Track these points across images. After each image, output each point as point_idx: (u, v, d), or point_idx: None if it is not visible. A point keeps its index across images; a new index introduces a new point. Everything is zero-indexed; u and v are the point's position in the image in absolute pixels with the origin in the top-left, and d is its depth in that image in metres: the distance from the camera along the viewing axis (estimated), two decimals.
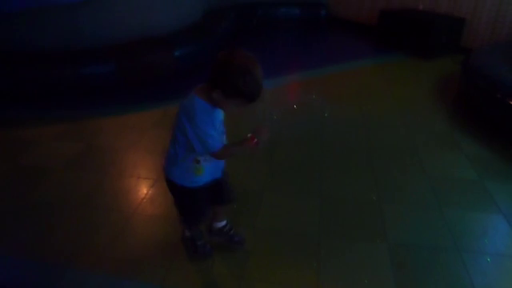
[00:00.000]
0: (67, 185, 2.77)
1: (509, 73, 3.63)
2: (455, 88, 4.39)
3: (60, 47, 4.19)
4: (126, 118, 3.72)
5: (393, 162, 3.14)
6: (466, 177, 2.97)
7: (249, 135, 1.75)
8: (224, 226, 2.25)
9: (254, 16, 6.97)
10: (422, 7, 5.96)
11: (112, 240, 2.29)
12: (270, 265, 2.16)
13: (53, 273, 2.08)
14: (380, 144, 3.38)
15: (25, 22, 4.13)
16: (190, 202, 1.99)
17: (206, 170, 1.88)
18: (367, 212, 2.57)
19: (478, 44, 5.24)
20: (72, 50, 4.20)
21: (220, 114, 1.78)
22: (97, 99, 4.05)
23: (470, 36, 5.46)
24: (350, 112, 3.94)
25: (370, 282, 2.05)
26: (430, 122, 3.78)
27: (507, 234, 2.43)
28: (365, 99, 4.24)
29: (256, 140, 1.74)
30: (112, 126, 3.58)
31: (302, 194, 2.73)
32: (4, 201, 2.60)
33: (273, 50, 5.56)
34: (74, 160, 3.06)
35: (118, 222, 2.42)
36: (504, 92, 3.42)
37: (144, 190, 2.72)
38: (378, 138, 3.48)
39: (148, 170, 2.97)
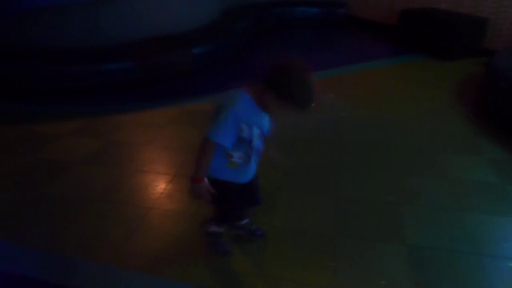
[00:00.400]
0: (85, 179, 2.80)
1: None
2: (477, 90, 4.29)
3: (80, 44, 4.24)
4: (144, 115, 3.75)
5: (412, 163, 3.09)
6: (487, 180, 2.91)
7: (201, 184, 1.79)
8: (247, 223, 2.27)
9: (271, 15, 6.95)
10: (444, 6, 5.86)
11: (129, 234, 2.31)
12: (287, 263, 2.14)
13: (69, 265, 2.10)
14: (399, 145, 3.33)
15: (46, 18, 4.20)
16: (226, 199, 1.96)
17: (242, 168, 1.87)
18: (385, 213, 2.54)
19: (501, 45, 5.12)
20: (92, 47, 4.25)
21: (262, 117, 1.79)
22: (115, 96, 4.09)
23: (493, 37, 5.35)
24: (368, 112, 3.89)
25: (387, 283, 2.02)
26: (450, 124, 3.71)
27: None
28: (384, 100, 4.18)
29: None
30: (130, 123, 3.61)
31: (318, 193, 2.71)
32: (24, 194, 2.64)
33: (290, 50, 5.53)
34: (92, 155, 3.09)
35: (135, 217, 2.44)
36: None
37: (162, 185, 2.73)
38: (397, 138, 3.43)
39: (165, 166, 2.98)
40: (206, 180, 1.81)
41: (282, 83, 1.63)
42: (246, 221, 2.27)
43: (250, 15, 6.39)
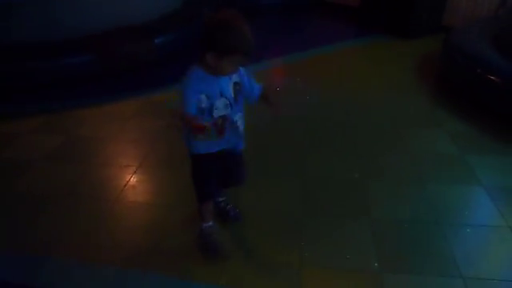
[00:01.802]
0: (48, 176, 2.73)
1: (488, 48, 3.65)
2: (437, 66, 4.40)
3: (37, 39, 4.09)
4: (107, 108, 3.67)
5: (375, 140, 3.15)
6: (447, 152, 3.00)
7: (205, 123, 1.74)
8: (221, 202, 2.26)
9: (235, 2, 6.88)
10: None
11: (94, 228, 2.27)
12: (254, 245, 2.17)
13: (34, 262, 2.06)
14: (362, 123, 3.39)
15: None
16: (196, 171, 1.95)
17: (210, 140, 1.84)
18: (350, 189, 2.59)
19: (459, 22, 5.24)
20: (49, 41, 4.11)
21: (220, 83, 1.76)
22: (77, 90, 3.98)
23: (451, 15, 5.46)
24: (332, 93, 3.93)
25: (352, 257, 2.07)
26: (412, 101, 3.79)
27: (487, 206, 2.46)
28: (347, 80, 4.24)
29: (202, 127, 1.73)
30: (93, 117, 3.53)
31: (284, 174, 2.73)
32: None
33: (254, 36, 5.50)
34: (54, 151, 3.02)
35: (100, 211, 2.40)
36: (483, 67, 3.44)
37: (126, 177, 2.70)
38: (361, 117, 3.49)
39: (130, 158, 2.94)
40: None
41: (213, 40, 1.61)
42: (221, 199, 2.25)
43: (213, 2, 6.31)
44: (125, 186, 2.62)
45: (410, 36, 5.33)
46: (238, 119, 1.88)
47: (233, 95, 1.80)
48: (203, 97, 1.72)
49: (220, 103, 1.77)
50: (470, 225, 2.32)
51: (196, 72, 1.73)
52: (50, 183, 2.66)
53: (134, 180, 2.68)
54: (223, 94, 1.77)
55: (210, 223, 2.13)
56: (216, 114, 1.77)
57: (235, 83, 1.82)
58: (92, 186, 2.63)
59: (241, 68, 1.83)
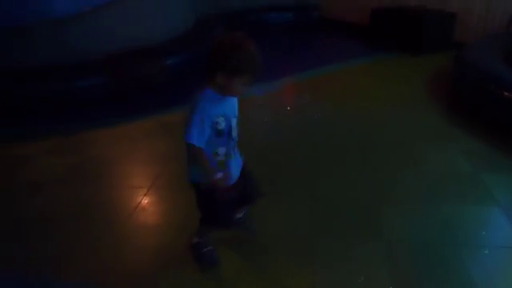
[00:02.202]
0: (59, 198, 2.75)
1: (500, 64, 3.61)
2: (448, 83, 4.36)
3: (50, 62, 4.18)
4: (118, 130, 3.71)
5: (388, 159, 3.11)
6: (461, 171, 2.95)
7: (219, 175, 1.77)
8: (241, 217, 2.24)
9: (245, 22, 6.97)
10: (413, 3, 5.96)
11: (104, 251, 2.26)
12: (265, 266, 2.13)
13: (43, 285, 2.05)
14: (374, 142, 3.35)
15: (13, 38, 4.14)
16: (212, 203, 1.90)
17: (229, 165, 1.85)
18: (362, 210, 2.54)
19: (470, 38, 5.22)
20: (62, 64, 4.20)
21: (230, 104, 1.78)
22: (89, 112, 4.04)
23: (462, 31, 5.45)
24: (343, 111, 3.92)
25: (365, 280, 2.02)
26: (424, 118, 3.75)
27: (505, 226, 2.40)
28: (359, 98, 4.22)
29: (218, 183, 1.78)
30: (104, 138, 3.57)
31: (296, 196, 2.70)
32: None
33: (266, 55, 5.53)
34: (66, 173, 3.04)
35: (110, 233, 2.40)
36: (496, 84, 3.39)
37: (137, 198, 2.70)
38: (373, 136, 3.46)
39: (140, 179, 2.95)
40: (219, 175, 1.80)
41: (223, 60, 1.63)
42: (241, 214, 2.23)
43: (224, 23, 6.41)
44: (136, 207, 2.61)
45: (421, 53, 5.33)
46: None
47: (237, 113, 1.84)
48: (221, 119, 1.73)
49: (234, 123, 1.79)
50: (487, 246, 2.25)
51: (209, 94, 1.72)
52: (61, 205, 2.67)
53: (145, 201, 2.67)
54: (235, 114, 1.80)
55: (204, 239, 2.12)
56: (234, 134, 1.79)
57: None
58: (103, 207, 2.63)
59: None
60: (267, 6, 7.24)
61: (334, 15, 7.15)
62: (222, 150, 1.80)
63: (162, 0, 4.98)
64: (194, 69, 4.91)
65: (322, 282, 2.02)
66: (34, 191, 2.83)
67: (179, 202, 2.68)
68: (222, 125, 1.74)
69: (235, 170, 1.91)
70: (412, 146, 3.28)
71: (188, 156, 1.87)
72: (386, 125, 3.64)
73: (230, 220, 2.05)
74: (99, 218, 2.53)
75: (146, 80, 4.46)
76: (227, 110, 1.76)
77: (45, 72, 4.12)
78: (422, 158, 3.10)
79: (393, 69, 5.05)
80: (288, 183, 2.83)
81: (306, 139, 3.43)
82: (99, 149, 3.40)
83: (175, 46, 4.92)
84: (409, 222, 2.43)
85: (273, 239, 2.31)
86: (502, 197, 2.63)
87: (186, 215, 2.52)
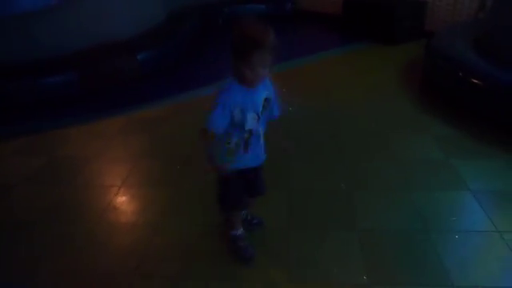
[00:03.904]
0: (28, 200, 2.67)
1: (468, 51, 3.67)
2: (420, 71, 4.41)
3: (17, 59, 4.04)
4: (90, 127, 3.62)
5: (361, 148, 3.13)
6: (433, 157, 2.99)
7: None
8: (244, 214, 2.26)
9: (219, 15, 6.90)
10: None
11: (74, 253, 2.21)
12: (239, 261, 2.11)
13: None
14: (348, 132, 3.37)
15: None
16: (224, 187, 1.98)
17: (237, 155, 1.87)
18: (336, 201, 2.55)
19: (440, 27, 5.29)
20: (30, 60, 4.07)
21: (254, 97, 1.79)
22: (59, 110, 3.92)
23: (432, 19, 5.51)
24: (317, 103, 3.91)
25: (339, 270, 2.03)
26: (397, 107, 3.78)
27: (474, 211, 2.44)
28: (332, 89, 4.23)
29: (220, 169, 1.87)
30: (75, 136, 3.48)
31: (270, 187, 2.67)
32: None
33: None
34: (35, 174, 2.96)
35: (82, 234, 2.35)
36: (465, 71, 3.45)
37: (108, 197, 2.64)
38: (346, 126, 3.47)
39: (113, 178, 2.89)
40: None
41: (233, 51, 1.68)
42: (243, 211, 2.24)
43: (197, 16, 6.32)
44: (107, 206, 2.56)
45: (394, 42, 5.36)
46: (261, 132, 1.93)
47: (261, 109, 1.84)
48: (238, 110, 1.76)
49: (250, 117, 1.80)
50: (458, 231, 2.29)
51: (234, 85, 1.76)
52: (30, 207, 2.60)
53: (117, 200, 2.62)
54: (254, 107, 1.80)
55: (241, 230, 2.16)
56: (246, 126, 1.81)
57: (266, 99, 1.85)
58: (73, 208, 2.57)
59: (271, 86, 1.88)
60: None
61: (307, 6, 7.13)
62: (233, 139, 1.84)
63: None
64: (166, 63, 4.87)
65: (297, 273, 2.02)
66: (2, 193, 2.74)
67: (151, 200, 2.65)
68: (238, 117, 1.76)
69: (250, 161, 1.94)
70: (385, 134, 3.31)
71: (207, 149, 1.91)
72: (359, 114, 3.66)
73: (241, 202, 2.08)
74: (70, 219, 2.47)
75: (118, 76, 4.37)
76: (247, 104, 1.77)
77: (12, 68, 3.98)
78: (395, 146, 3.13)
79: (366, 59, 5.08)
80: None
81: (279, 131, 3.41)
82: (70, 147, 3.32)
83: (146, 41, 4.82)
84: (382, 210, 2.46)
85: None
86: (472, 182, 2.68)
87: (157, 213, 2.50)
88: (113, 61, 4.38)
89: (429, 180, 2.73)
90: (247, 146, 1.88)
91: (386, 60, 4.96)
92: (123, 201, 2.61)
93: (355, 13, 5.90)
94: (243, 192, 2.03)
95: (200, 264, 2.11)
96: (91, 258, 2.18)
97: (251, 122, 1.81)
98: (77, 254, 2.20)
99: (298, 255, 2.14)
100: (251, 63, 1.66)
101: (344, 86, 4.31)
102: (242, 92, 1.76)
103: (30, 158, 3.15)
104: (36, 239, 2.33)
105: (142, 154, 3.15)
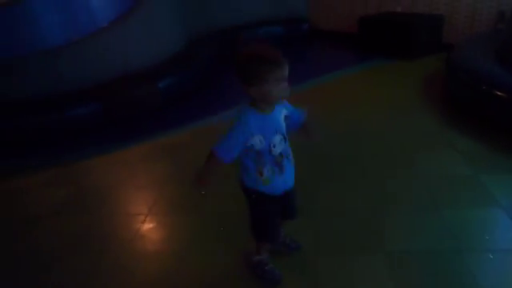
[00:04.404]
0: (57, 231, 2.72)
1: (490, 63, 3.61)
2: (441, 85, 4.36)
3: (42, 93, 4.20)
4: (114, 156, 3.69)
5: (385, 167, 3.08)
6: (460, 173, 2.91)
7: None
8: (281, 237, 2.23)
9: (237, 39, 7.02)
10: (400, 9, 6.00)
11: (101, 285, 2.22)
12: (267, 285, 2.09)
13: None
14: (371, 151, 3.33)
15: (3, 72, 4.16)
16: (259, 212, 1.93)
17: (274, 181, 1.84)
18: (362, 223, 2.50)
19: (459, 39, 5.24)
20: (54, 94, 4.21)
21: (274, 120, 1.76)
22: (84, 141, 4.03)
23: (450, 32, 5.47)
24: (336, 122, 3.90)
25: None
26: (419, 123, 3.73)
27: (508, 228, 2.36)
28: (352, 108, 4.21)
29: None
30: (100, 166, 3.55)
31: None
32: None
33: None
34: (62, 205, 3.02)
35: (108, 264, 2.36)
36: (488, 83, 3.39)
37: (135, 226, 2.67)
38: (368, 144, 3.44)
39: (139, 206, 2.92)
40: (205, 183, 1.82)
41: (244, 77, 1.65)
42: (282, 233, 2.22)
43: (215, 41, 6.45)
44: (134, 235, 2.58)
45: (411, 57, 5.34)
46: (290, 152, 1.88)
47: (285, 129, 1.81)
48: (258, 138, 1.72)
49: (276, 140, 1.77)
50: (491, 250, 2.21)
51: (249, 112, 1.72)
52: (58, 238, 2.64)
53: (144, 229, 2.64)
54: (278, 130, 1.77)
55: (266, 255, 2.11)
56: (275, 152, 1.78)
57: (286, 116, 1.83)
58: (100, 237, 2.60)
59: (287, 102, 1.85)
60: (256, 22, 7.29)
61: (323, 26, 7.21)
62: (266, 169, 1.80)
63: (149, 23, 5.01)
64: (187, 89, 4.97)
65: None
66: (31, 225, 2.80)
67: (178, 227, 2.66)
68: (260, 145, 1.73)
69: (283, 184, 1.89)
70: (408, 151, 3.26)
71: (239, 165, 1.88)
72: (382, 132, 3.62)
73: (274, 234, 2.05)
74: (96, 249, 2.50)
75: (140, 104, 4.47)
76: (267, 129, 1.74)
77: (38, 103, 4.13)
78: (420, 163, 3.07)
79: (384, 75, 5.06)
80: None
81: (302, 152, 3.40)
82: (96, 177, 3.39)
83: (167, 68, 4.94)
84: (410, 231, 2.40)
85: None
86: (503, 198, 2.59)
87: (184, 241, 2.51)
88: (134, 90, 4.49)
89: (457, 197, 2.66)
90: (283, 168, 1.84)
91: (404, 75, 4.93)
92: (150, 229, 2.63)
93: (371, 30, 5.91)
94: (278, 220, 1.99)
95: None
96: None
97: (278, 145, 1.78)
98: (104, 285, 2.21)
99: (326, 281, 2.09)
100: (265, 82, 1.62)
101: (363, 103, 4.29)
102: (259, 119, 1.72)
103: (56, 189, 3.22)
104: (62, 271, 2.35)
105: (166, 181, 3.19)
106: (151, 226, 2.67)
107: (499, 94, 3.27)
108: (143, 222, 2.70)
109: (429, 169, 3.00)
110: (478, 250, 2.22)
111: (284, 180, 1.88)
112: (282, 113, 1.81)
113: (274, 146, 1.77)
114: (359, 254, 2.26)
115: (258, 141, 1.72)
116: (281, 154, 1.81)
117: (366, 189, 2.84)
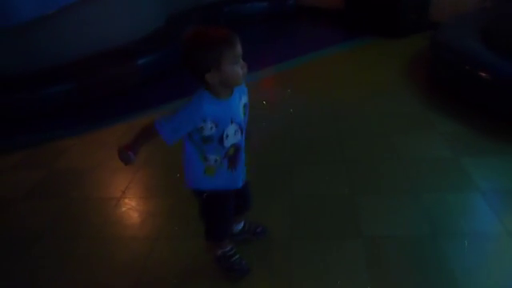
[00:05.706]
0: (27, 216, 2.63)
1: (475, 44, 3.54)
2: (426, 64, 4.29)
3: (13, 71, 4.02)
4: (91, 137, 3.58)
5: (365, 149, 3.03)
6: (441, 156, 2.88)
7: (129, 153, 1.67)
8: (244, 226, 2.17)
9: (220, 15, 6.82)
10: None
11: (72, 270, 2.16)
12: (235, 277, 2.04)
13: None
14: (352, 132, 3.27)
15: None
16: (211, 209, 1.82)
17: (219, 174, 1.72)
18: (340, 207, 2.46)
19: (446, 17, 5.14)
20: (27, 72, 4.04)
21: (232, 108, 1.62)
22: (59, 121, 3.89)
23: (437, 10, 5.36)
24: (320, 102, 3.82)
25: (343, 283, 1.95)
26: (402, 104, 3.68)
27: (484, 212, 2.34)
28: (336, 87, 4.13)
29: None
30: (75, 147, 3.44)
31: (271, 194, 2.61)
32: None
33: (242, 47, 5.41)
34: (34, 188, 2.91)
35: (81, 249, 2.30)
36: (472, 63, 3.33)
37: (107, 210, 2.59)
38: (350, 126, 3.38)
39: (112, 190, 2.84)
40: (131, 154, 1.69)
41: (195, 61, 1.54)
42: (241, 225, 2.16)
43: (197, 17, 6.25)
44: (106, 220, 2.51)
45: (398, 35, 5.23)
46: (244, 146, 1.76)
47: (242, 118, 1.68)
48: (208, 124, 1.58)
49: (230, 130, 1.63)
50: (466, 234, 2.18)
51: (204, 95, 1.58)
52: (28, 223, 2.56)
53: (116, 213, 2.57)
54: (234, 119, 1.63)
55: (230, 246, 2.01)
56: (227, 143, 1.64)
57: (244, 105, 1.70)
58: (71, 223, 2.52)
59: (246, 89, 1.72)
60: None
61: (309, 3, 7.02)
62: (212, 157, 1.67)
63: None
64: (167, 68, 4.81)
65: (299, 285, 1.95)
66: (1, 209, 2.71)
67: (151, 211, 2.60)
68: (210, 131, 1.59)
69: (232, 182, 1.79)
70: (390, 133, 3.20)
71: (183, 159, 1.76)
72: (364, 114, 3.55)
73: (227, 231, 1.97)
74: (69, 234, 2.42)
75: (117, 83, 4.32)
76: (222, 116, 1.59)
77: (7, 80, 3.95)
78: (401, 146, 3.03)
79: (370, 54, 4.96)
80: (263, 182, 2.72)
81: (281, 134, 3.34)
82: (69, 159, 3.28)
83: (146, 46, 4.77)
84: (388, 215, 2.36)
85: (249, 240, 2.22)
86: (482, 181, 2.57)
87: (156, 226, 2.44)
88: (112, 67, 4.33)
89: (436, 180, 2.63)
90: (235, 163, 1.72)
91: (390, 54, 4.84)
92: (122, 213, 2.56)
93: (358, 7, 5.77)
94: (232, 216, 1.91)
95: (198, 280, 2.04)
96: (90, 273, 2.13)
97: (232, 136, 1.64)
98: (76, 270, 2.15)
99: (300, 267, 2.05)
100: (221, 64, 1.50)
101: (347, 83, 4.21)
102: (214, 103, 1.58)
103: (28, 172, 3.11)
104: (34, 256, 2.28)
105: (142, 164, 3.09)
106: (123, 209, 2.60)
107: (483, 74, 3.21)
108: (115, 205, 2.63)
109: (409, 151, 2.96)
110: (454, 234, 2.20)
111: (233, 178, 1.77)
112: (241, 100, 1.68)
113: (227, 137, 1.62)
114: (335, 239, 2.22)
115: (208, 127, 1.58)
116: (233, 146, 1.68)
117: (344, 171, 2.79)
